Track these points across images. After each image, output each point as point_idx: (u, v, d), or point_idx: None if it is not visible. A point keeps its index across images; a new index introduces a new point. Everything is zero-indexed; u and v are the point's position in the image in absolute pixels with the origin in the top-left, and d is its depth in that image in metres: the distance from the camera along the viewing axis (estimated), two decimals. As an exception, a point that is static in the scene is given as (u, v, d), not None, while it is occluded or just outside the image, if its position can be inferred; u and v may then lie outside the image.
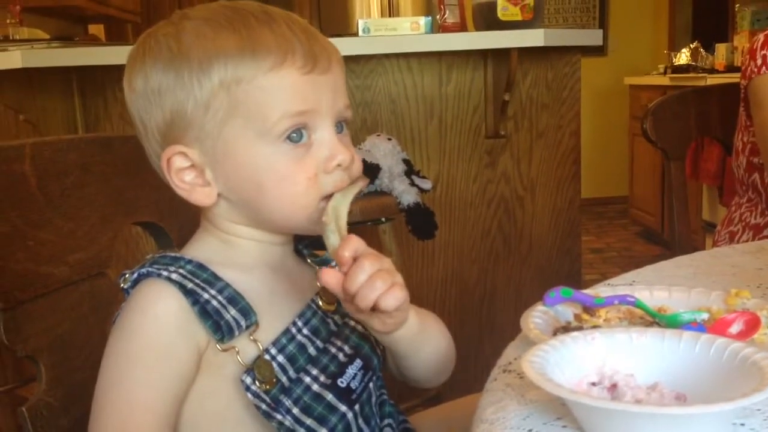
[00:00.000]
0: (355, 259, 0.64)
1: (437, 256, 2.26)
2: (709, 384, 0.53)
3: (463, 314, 2.28)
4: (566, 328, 0.71)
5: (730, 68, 4.05)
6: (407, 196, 1.76)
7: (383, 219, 1.81)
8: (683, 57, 4.50)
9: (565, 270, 2.32)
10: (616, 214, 5.37)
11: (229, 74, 0.65)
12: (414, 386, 0.84)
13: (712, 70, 4.17)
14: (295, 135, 0.67)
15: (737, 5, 4.37)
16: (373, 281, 0.63)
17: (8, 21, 2.91)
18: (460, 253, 2.26)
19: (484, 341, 2.26)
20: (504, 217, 2.27)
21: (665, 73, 4.56)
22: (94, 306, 0.84)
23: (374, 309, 0.64)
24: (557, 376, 0.53)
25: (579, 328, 0.70)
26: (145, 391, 0.64)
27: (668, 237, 4.20)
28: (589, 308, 0.74)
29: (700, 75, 4.01)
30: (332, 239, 0.67)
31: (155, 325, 0.65)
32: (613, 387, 0.55)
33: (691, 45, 4.53)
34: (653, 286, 0.79)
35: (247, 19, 0.67)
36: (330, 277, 0.64)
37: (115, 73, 1.96)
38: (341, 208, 0.68)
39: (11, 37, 2.60)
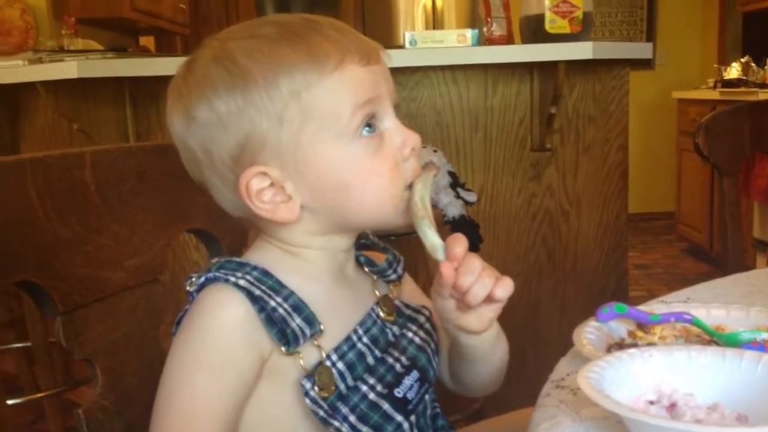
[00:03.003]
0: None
1: (480, 269, 2.24)
2: (773, 405, 0.52)
3: (507, 328, 2.24)
4: (620, 345, 0.70)
5: (783, 82, 3.96)
6: (452, 208, 1.75)
7: (428, 231, 1.80)
8: (733, 71, 4.41)
9: (611, 286, 2.28)
10: (662, 230, 5.28)
11: (297, 83, 0.66)
12: (465, 395, 0.84)
13: (764, 85, 4.08)
14: (368, 127, 0.68)
15: (790, 18, 4.28)
16: (482, 277, 0.67)
17: (63, 32, 2.99)
18: (503, 267, 2.23)
19: (527, 356, 2.23)
20: (548, 231, 2.25)
21: (715, 87, 4.47)
22: (148, 311, 0.85)
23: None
24: (614, 393, 0.52)
25: (634, 345, 0.69)
26: (208, 396, 0.64)
27: (716, 254, 4.10)
28: (644, 325, 0.73)
29: (751, 89, 3.92)
30: (430, 234, 0.68)
31: (222, 331, 0.66)
32: (672, 406, 0.54)
33: (741, 59, 4.45)
34: (710, 303, 0.77)
35: (295, 30, 0.67)
36: (449, 272, 0.66)
37: (166, 83, 2.00)
38: (426, 198, 0.69)
39: (66, 48, 2.67)
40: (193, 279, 0.69)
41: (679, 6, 5.58)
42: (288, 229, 0.70)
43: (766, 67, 4.25)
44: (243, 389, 0.66)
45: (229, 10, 5.29)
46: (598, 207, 2.25)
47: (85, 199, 0.77)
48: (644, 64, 5.26)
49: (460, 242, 0.67)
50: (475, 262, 0.67)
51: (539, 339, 2.26)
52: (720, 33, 5.35)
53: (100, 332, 0.78)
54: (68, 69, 1.81)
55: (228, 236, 0.96)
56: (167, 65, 1.91)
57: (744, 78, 4.29)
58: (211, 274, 0.68)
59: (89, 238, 0.77)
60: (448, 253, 0.67)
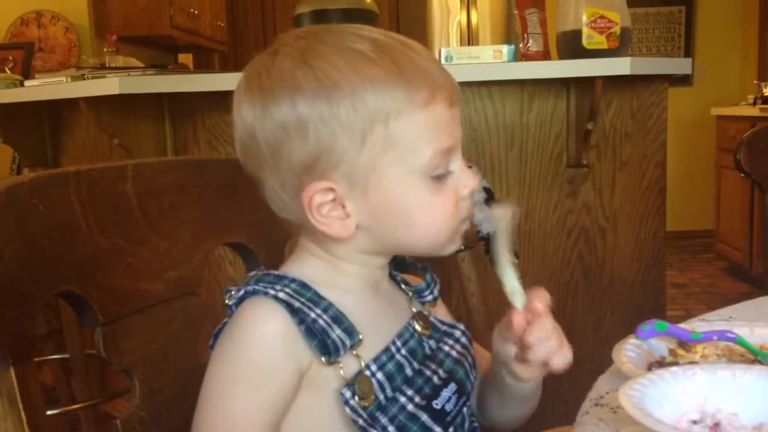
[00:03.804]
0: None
1: (515, 286, 2.22)
2: (822, 427, 0.50)
3: (541, 346, 2.23)
4: (661, 363, 0.68)
5: (826, 99, 3.88)
6: (487, 224, 1.74)
7: (462, 247, 1.80)
8: (774, 87, 4.34)
9: (649, 304, 2.24)
10: (699, 249, 5.19)
11: (387, 105, 0.65)
12: (487, 426, 0.84)
13: (806, 101, 4.01)
14: (440, 173, 0.68)
15: (833, 34, 4.20)
16: (549, 340, 0.68)
17: (105, 50, 3.06)
18: (538, 283, 2.21)
19: (561, 374, 2.20)
20: (584, 248, 2.22)
21: (755, 103, 4.40)
22: (186, 324, 0.86)
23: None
24: (656, 411, 0.51)
25: (675, 364, 0.68)
26: (247, 409, 0.64)
27: (756, 273, 4.02)
28: (685, 343, 0.72)
29: (792, 106, 3.85)
30: (511, 279, 0.70)
31: (262, 344, 0.66)
32: (716, 426, 0.53)
33: (782, 75, 4.37)
34: (753, 322, 0.76)
35: (391, 53, 0.66)
36: (520, 320, 0.68)
37: (204, 100, 2.03)
38: (510, 241, 0.70)
39: (108, 65, 2.73)
40: (232, 292, 0.69)
41: (717, 21, 5.51)
42: (337, 242, 0.71)
43: (808, 83, 4.17)
44: (282, 402, 0.66)
45: (266, 28, 5.37)
46: (635, 224, 2.22)
47: (126, 211, 0.79)
48: (682, 80, 5.20)
49: (542, 298, 0.69)
50: (547, 323, 0.68)
51: (574, 357, 2.23)
52: (760, 48, 5.27)
53: (139, 343, 0.79)
54: (110, 85, 1.85)
55: (265, 250, 0.97)
56: (206, 82, 1.95)
57: (785, 94, 4.22)
58: (250, 287, 0.68)
59: (130, 250, 0.78)
60: (528, 304, 0.69)
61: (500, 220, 0.72)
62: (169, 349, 0.83)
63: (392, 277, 0.79)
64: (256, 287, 0.67)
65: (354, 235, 0.69)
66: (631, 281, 2.24)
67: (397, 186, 0.67)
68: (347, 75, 0.64)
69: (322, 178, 0.67)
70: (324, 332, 0.66)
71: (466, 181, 0.70)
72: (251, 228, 0.95)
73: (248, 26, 5.39)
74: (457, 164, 0.70)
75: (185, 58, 5.05)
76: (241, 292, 0.68)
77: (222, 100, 2.01)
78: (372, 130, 0.65)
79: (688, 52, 5.49)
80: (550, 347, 0.68)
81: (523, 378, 0.73)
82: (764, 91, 4.41)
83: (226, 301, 0.69)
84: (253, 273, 0.71)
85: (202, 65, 5.12)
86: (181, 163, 0.88)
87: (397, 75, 0.65)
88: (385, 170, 0.66)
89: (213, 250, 0.91)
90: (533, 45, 2.08)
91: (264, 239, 0.97)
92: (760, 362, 0.67)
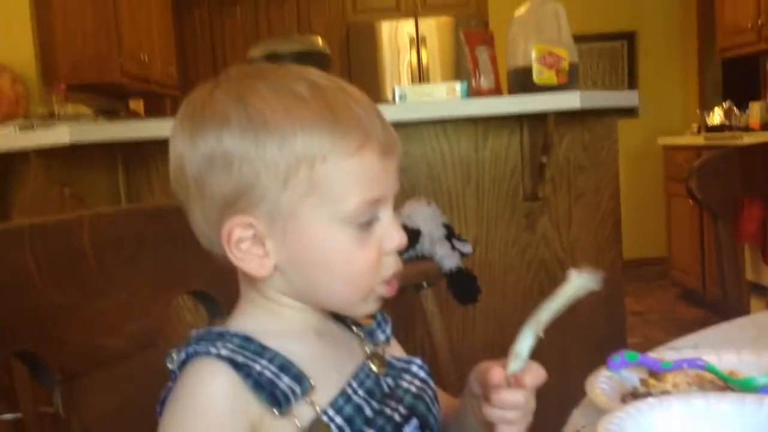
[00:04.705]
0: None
1: (477, 320, 2.22)
2: (799, 452, 0.50)
3: (507, 381, 2.22)
4: (634, 394, 0.68)
5: (766, 126, 4.02)
6: (449, 260, 1.74)
7: (425, 284, 1.79)
8: (716, 116, 4.49)
9: (611, 334, 2.26)
10: (654, 276, 5.28)
11: (314, 149, 0.64)
12: None
13: (747, 128, 4.15)
14: (366, 220, 0.67)
15: (768, 63, 4.37)
16: (510, 412, 0.66)
17: (54, 98, 3.02)
18: (501, 318, 2.22)
19: (529, 409, 2.20)
20: (545, 281, 2.24)
21: (699, 132, 4.54)
22: (147, 379, 0.83)
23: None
24: (635, 445, 0.51)
25: (648, 394, 0.68)
26: None
27: (711, 298, 4.10)
28: (656, 373, 0.72)
29: (735, 134, 3.98)
30: (525, 344, 0.67)
31: (209, 405, 0.64)
32: (695, 457, 0.53)
33: (723, 104, 4.52)
34: (720, 349, 0.76)
35: (326, 95, 0.66)
36: (498, 378, 0.66)
37: (157, 147, 2.00)
38: (556, 311, 0.68)
39: (57, 114, 2.69)
40: (173, 355, 0.67)
41: (659, 55, 5.70)
42: (262, 283, 0.70)
43: (747, 112, 4.33)
44: None
45: (217, 72, 5.34)
46: (593, 255, 2.24)
47: (83, 264, 0.76)
48: (629, 112, 5.33)
49: (536, 376, 0.67)
50: (520, 397, 0.66)
51: (540, 391, 2.23)
52: (700, 79, 5.46)
53: (99, 401, 0.76)
54: (60, 135, 1.82)
55: (227, 297, 0.95)
56: (159, 128, 1.92)
57: (727, 123, 4.37)
58: (191, 349, 0.66)
59: (87, 304, 0.76)
60: (521, 376, 0.67)
61: (570, 285, 0.69)
62: (130, 405, 0.80)
63: (341, 320, 0.78)
64: (197, 348, 0.65)
65: (273, 277, 0.68)
66: (592, 311, 2.26)
67: (318, 231, 0.66)
68: (278, 115, 0.64)
69: (243, 213, 0.66)
70: (272, 383, 0.64)
71: (393, 234, 0.69)
72: (212, 276, 0.93)
73: (199, 71, 5.37)
74: (387, 217, 0.69)
75: (136, 104, 5.01)
76: (183, 355, 0.66)
77: (176, 146, 1.99)
78: (296, 172, 0.64)
79: (633, 85, 5.65)
80: (505, 417, 0.67)
81: (479, 422, 0.71)
82: (707, 120, 4.56)
83: (169, 365, 0.67)
84: (193, 332, 0.69)
85: (153, 111, 5.08)
86: (138, 212, 0.86)
87: (330, 120, 0.64)
88: (306, 214, 0.66)
89: (173, 300, 0.89)
90: (485, 82, 2.12)
91: (227, 286, 0.94)
92: (731, 389, 0.67)
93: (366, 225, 0.67)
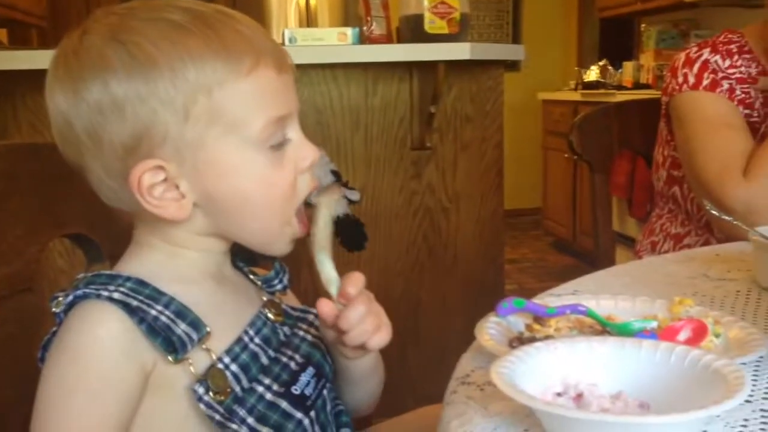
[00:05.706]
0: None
1: (363, 268, 2.22)
2: (672, 392, 0.54)
3: (389, 326, 2.27)
4: (520, 339, 0.71)
5: (638, 85, 4.24)
6: (337, 207, 1.74)
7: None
8: (593, 74, 4.68)
9: (490, 280, 2.35)
10: (529, 226, 5.51)
11: (209, 77, 0.61)
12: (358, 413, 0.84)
13: (620, 87, 4.35)
14: (277, 141, 0.65)
15: (643, 25, 4.59)
16: (365, 324, 0.67)
17: None
18: (385, 265, 2.25)
19: (407, 353, 2.26)
20: (429, 229, 2.28)
21: (576, 89, 4.72)
22: (22, 324, 0.78)
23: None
24: (525, 386, 0.53)
25: (533, 339, 0.70)
26: (87, 420, 0.60)
27: (580, 247, 4.33)
28: (540, 318, 0.75)
29: (609, 91, 4.17)
30: (328, 267, 0.68)
31: (98, 348, 0.61)
32: (579, 397, 0.55)
33: (599, 62, 4.72)
34: (598, 295, 0.80)
35: (208, 21, 0.63)
36: (327, 310, 0.67)
37: (23, 79, 1.85)
38: (329, 226, 0.68)
39: None
40: (60, 298, 0.63)
41: (541, 12, 5.85)
42: (173, 226, 0.67)
43: (621, 70, 4.54)
44: (126, 408, 0.62)
45: (89, 2, 5.02)
46: (476, 204, 2.31)
47: (-53, 203, 0.70)
48: (511, 66, 5.46)
49: (355, 282, 0.67)
50: (360, 307, 0.67)
51: (420, 336, 2.29)
52: (579, 38, 5.66)
53: (-32, 349, 0.71)
54: None
55: (108, 240, 0.90)
56: (25, 59, 1.78)
57: (602, 80, 4.56)
58: (80, 291, 0.62)
59: (-47, 246, 0.70)
60: (342, 290, 0.67)
61: (321, 208, 0.69)
62: (3, 353, 0.75)
63: (238, 267, 0.76)
64: (87, 290, 0.62)
65: (192, 217, 0.66)
66: (474, 258, 2.34)
67: (230, 160, 0.64)
68: (164, 49, 0.61)
69: (149, 157, 0.63)
70: (168, 329, 0.63)
71: (305, 152, 0.68)
72: (93, 217, 0.88)
73: (70, 2, 5.02)
74: (296, 134, 0.68)
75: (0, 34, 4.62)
76: (70, 298, 0.62)
77: (44, 79, 1.85)
78: (195, 103, 0.62)
79: (516, 40, 5.78)
80: (363, 330, 0.68)
81: (348, 356, 0.73)
82: (584, 76, 4.75)
83: (53, 309, 0.63)
84: (81, 275, 0.65)
85: (18, 41, 4.70)
86: (10, 149, 0.79)
87: (217, 44, 0.62)
88: (214, 145, 0.63)
89: (49, 242, 0.84)
90: (376, 28, 2.10)
91: (107, 229, 0.90)
92: (609, 333, 0.71)
93: (278, 147, 0.66)
